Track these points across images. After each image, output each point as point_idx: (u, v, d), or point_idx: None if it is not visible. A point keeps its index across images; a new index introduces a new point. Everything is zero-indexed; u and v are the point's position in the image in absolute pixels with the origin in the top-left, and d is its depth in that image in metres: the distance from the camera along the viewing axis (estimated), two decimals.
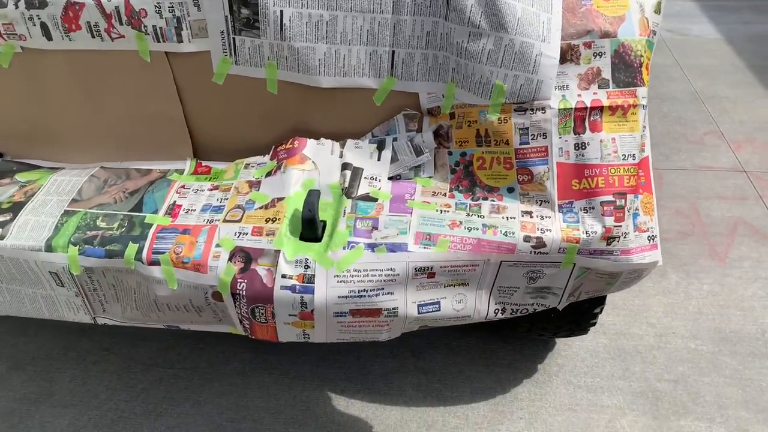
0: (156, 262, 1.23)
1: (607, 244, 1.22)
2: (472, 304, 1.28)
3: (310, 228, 1.22)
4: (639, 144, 1.24)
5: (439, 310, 1.25)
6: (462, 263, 1.21)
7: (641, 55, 1.23)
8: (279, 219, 1.25)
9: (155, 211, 1.32)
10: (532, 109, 1.24)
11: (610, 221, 1.22)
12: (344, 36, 1.25)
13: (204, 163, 1.44)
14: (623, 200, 1.23)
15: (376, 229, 1.23)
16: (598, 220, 1.22)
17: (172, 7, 1.22)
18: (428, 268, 1.20)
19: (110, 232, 1.28)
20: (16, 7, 1.26)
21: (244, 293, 1.20)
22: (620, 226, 1.22)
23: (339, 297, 1.18)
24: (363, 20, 1.23)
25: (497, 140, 1.26)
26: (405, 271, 1.19)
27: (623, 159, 1.23)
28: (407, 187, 1.32)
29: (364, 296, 1.19)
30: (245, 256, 1.22)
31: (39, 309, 1.39)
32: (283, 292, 1.19)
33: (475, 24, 1.20)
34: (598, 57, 1.22)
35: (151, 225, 1.29)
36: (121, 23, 1.25)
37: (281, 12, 1.22)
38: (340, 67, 1.28)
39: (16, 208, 1.34)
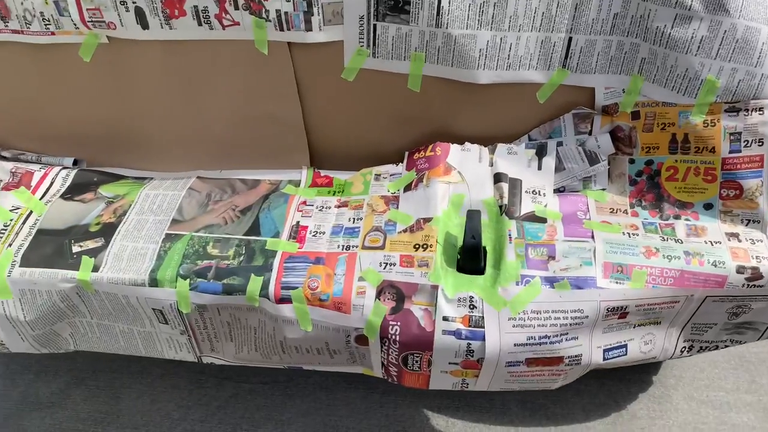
0: (286, 299, 1.02)
1: None
2: (660, 345, 1.06)
3: (473, 258, 1.00)
4: None
5: (626, 353, 1.04)
6: (661, 300, 0.99)
7: None
8: (431, 246, 1.03)
9: (276, 234, 1.10)
10: (747, 110, 1.00)
11: None
12: (514, 20, 1.00)
13: (323, 172, 1.21)
14: None
15: (553, 258, 1.01)
16: None
17: None
18: (622, 307, 0.98)
19: (226, 261, 1.07)
20: None
21: (397, 338, 0.99)
22: None
23: (515, 345, 0.97)
24: (539, 0, 0.99)
25: (699, 147, 1.03)
26: (595, 312, 0.97)
27: None
28: (577, 202, 1.10)
29: (545, 343, 0.97)
30: (396, 293, 1.00)
31: (134, 346, 1.19)
32: (445, 338, 0.98)
33: (684, 5, 0.96)
34: None
35: (275, 252, 1.07)
36: (236, 8, 1.02)
37: None
38: (504, 58, 1.04)
39: (107, 231, 1.13)
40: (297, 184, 1.21)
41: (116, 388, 1.78)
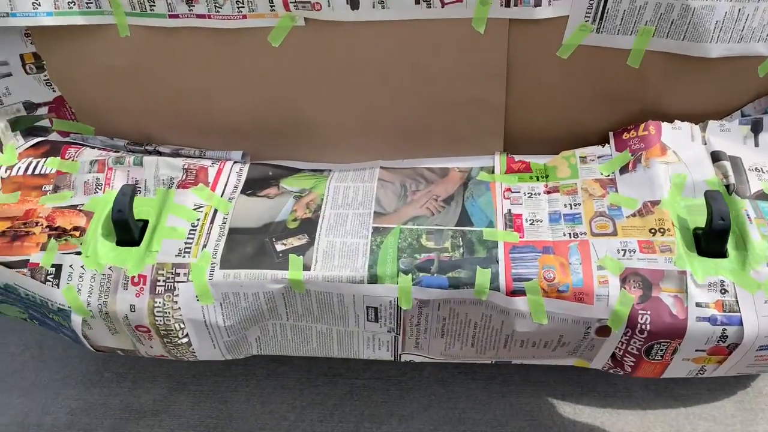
0: (519, 292, 0.97)
1: None
2: None
3: (720, 241, 0.96)
4: None
5: None
6: None
7: None
8: (668, 230, 0.99)
9: (490, 224, 1.05)
10: None
11: None
12: None
13: (517, 157, 1.15)
14: None
15: None
16: None
17: None
18: None
19: (446, 254, 1.01)
20: None
21: (647, 327, 0.94)
22: None
23: None
24: None
25: None
26: None
27: None
28: None
29: None
30: (642, 281, 0.96)
31: (327, 347, 1.13)
32: (699, 325, 0.93)
33: None
34: None
35: (495, 243, 1.01)
36: None
37: None
38: (738, 30, 0.99)
39: (307, 227, 1.06)
40: (490, 170, 1.15)
41: (222, 392, 1.71)
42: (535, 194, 1.09)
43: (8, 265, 1.07)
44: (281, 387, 1.71)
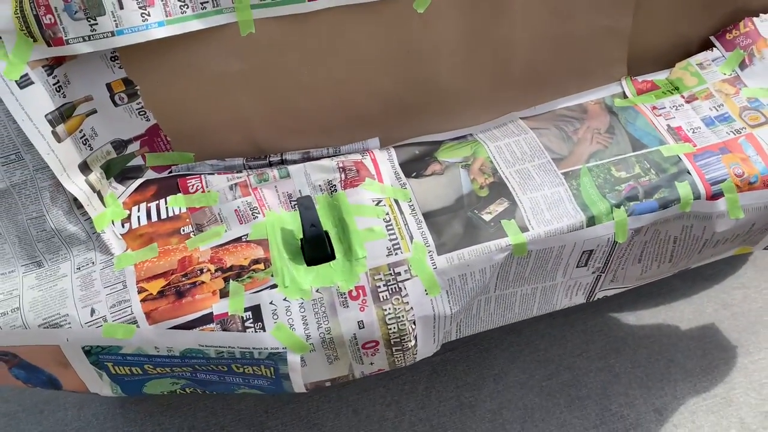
0: (718, 194, 1.02)
1: None
2: None
3: None
4: None
5: None
6: None
7: None
8: None
9: (660, 142, 1.08)
10: None
11: None
12: None
13: (640, 79, 1.19)
14: None
15: None
16: None
17: None
18: None
19: (643, 179, 1.03)
20: None
21: None
22: None
23: None
24: None
25: None
26: None
27: None
28: None
29: None
30: None
31: (528, 308, 1.10)
32: None
33: None
34: None
35: (677, 157, 1.05)
36: None
37: None
38: None
39: (500, 191, 1.02)
40: (621, 96, 1.18)
41: (305, 417, 1.61)
42: (679, 106, 1.14)
43: (186, 326, 0.90)
44: (363, 390, 1.64)
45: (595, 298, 1.16)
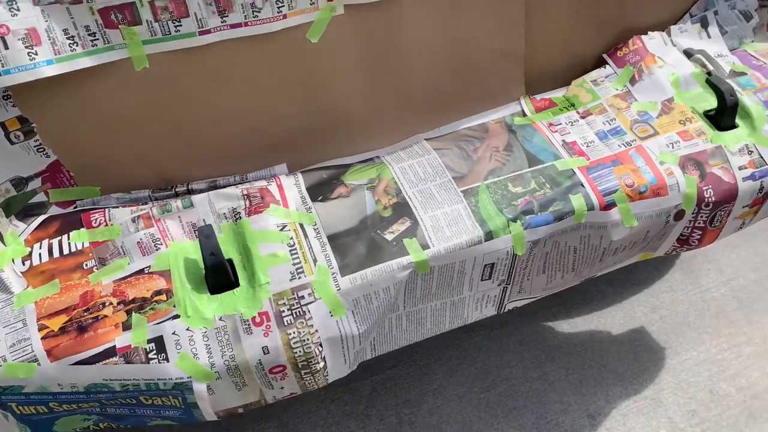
0: (610, 204, 1.08)
1: None
2: None
3: (733, 113, 1.16)
4: None
5: None
6: None
7: None
8: (692, 118, 1.16)
9: (555, 157, 1.13)
10: None
11: None
12: None
13: (538, 97, 1.25)
14: None
15: None
16: None
17: None
18: None
19: (538, 193, 1.07)
20: None
21: (711, 199, 1.11)
22: None
23: None
24: None
25: None
26: None
27: None
28: (746, 56, 1.31)
29: None
30: (695, 164, 1.12)
31: (440, 323, 1.13)
32: (746, 184, 1.12)
33: None
34: None
35: (571, 171, 1.10)
36: None
37: None
38: None
39: (402, 211, 1.05)
40: (521, 114, 1.23)
41: None
42: (574, 122, 1.20)
43: (87, 361, 0.90)
44: (304, 414, 1.64)
45: (506, 310, 1.19)
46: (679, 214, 1.13)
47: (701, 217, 1.14)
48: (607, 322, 1.83)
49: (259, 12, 0.96)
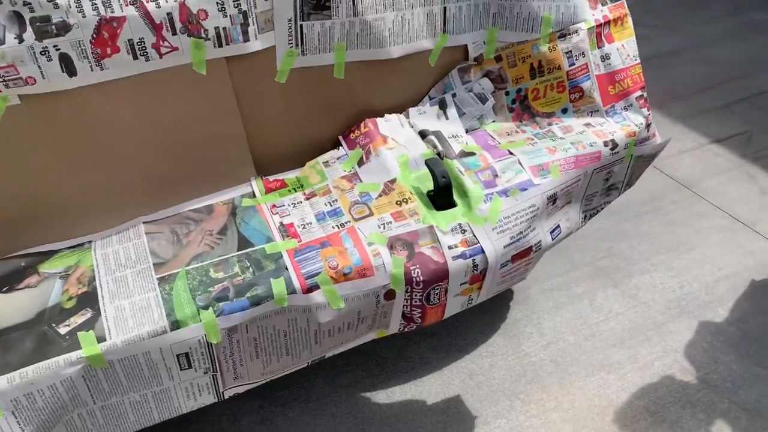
0: (313, 287, 1.07)
1: (647, 130, 1.46)
2: (574, 219, 1.40)
3: (447, 194, 1.19)
4: (635, 45, 1.49)
5: (560, 231, 1.34)
6: (572, 181, 1.32)
7: None
8: (409, 198, 1.19)
9: (268, 240, 1.13)
10: (570, 33, 1.38)
11: (645, 111, 1.45)
12: (408, 0, 1.22)
13: (271, 178, 1.25)
14: (644, 92, 1.47)
15: (497, 176, 1.26)
16: (638, 113, 1.44)
17: (238, 1, 1.04)
18: (554, 195, 1.28)
19: (238, 278, 1.06)
20: (20, 41, 0.93)
21: (420, 278, 1.12)
22: (649, 113, 1.46)
23: (504, 247, 1.19)
24: None
25: (550, 68, 1.38)
26: (542, 203, 1.25)
27: (634, 59, 1.47)
28: (483, 136, 1.36)
29: (522, 238, 1.22)
30: (404, 244, 1.14)
31: (146, 414, 1.08)
32: (456, 263, 1.15)
33: None
34: None
35: (279, 254, 1.10)
36: (174, 33, 1.02)
37: None
38: (406, 33, 1.24)
39: (87, 301, 1.01)
40: (251, 196, 1.23)
41: None
42: (298, 203, 1.21)
43: None
44: None
45: (227, 397, 1.16)
46: (390, 294, 1.13)
47: (416, 295, 1.15)
48: (424, 391, 1.81)
49: None
